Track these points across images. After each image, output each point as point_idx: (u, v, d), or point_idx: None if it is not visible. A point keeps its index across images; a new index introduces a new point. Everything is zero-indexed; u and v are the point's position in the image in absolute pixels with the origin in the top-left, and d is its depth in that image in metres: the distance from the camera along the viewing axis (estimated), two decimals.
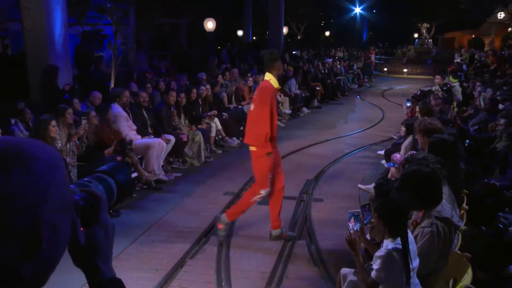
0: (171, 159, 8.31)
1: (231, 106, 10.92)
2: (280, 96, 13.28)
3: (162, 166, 7.78)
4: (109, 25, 11.78)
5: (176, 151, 8.24)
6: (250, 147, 5.20)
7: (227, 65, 14.84)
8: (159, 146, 7.47)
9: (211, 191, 7.10)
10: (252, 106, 5.18)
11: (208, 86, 10.12)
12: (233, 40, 27.35)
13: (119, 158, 6.51)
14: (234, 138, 10.20)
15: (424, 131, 4.89)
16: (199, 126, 9.06)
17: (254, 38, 34.12)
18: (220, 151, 9.52)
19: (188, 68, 13.51)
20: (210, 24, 17.25)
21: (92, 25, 12.69)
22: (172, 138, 7.94)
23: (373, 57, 26.20)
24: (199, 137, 8.64)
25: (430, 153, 3.90)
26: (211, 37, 18.25)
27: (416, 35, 36.66)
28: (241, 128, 10.84)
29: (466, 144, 7.21)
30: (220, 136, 9.93)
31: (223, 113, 10.16)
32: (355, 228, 3.29)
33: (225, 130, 10.01)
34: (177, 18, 22.10)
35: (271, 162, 5.18)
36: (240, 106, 11.12)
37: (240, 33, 29.29)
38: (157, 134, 7.83)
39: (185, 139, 8.33)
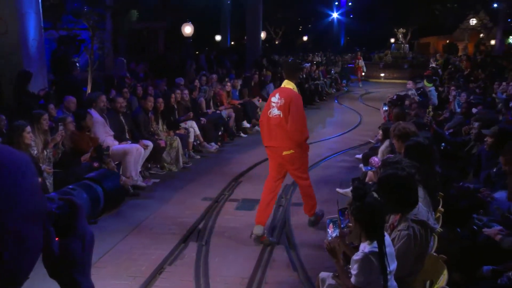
0: (149, 165, 8.26)
1: (209, 111, 10.90)
2: (258, 101, 13.33)
3: (140, 172, 7.71)
4: (86, 30, 11.62)
5: (154, 157, 8.19)
6: (286, 151, 5.45)
7: (205, 72, 14.83)
8: (137, 152, 7.41)
9: (189, 197, 7.07)
10: (275, 112, 5.43)
11: (186, 91, 10.10)
12: (211, 44, 27.32)
13: (96, 164, 6.44)
14: (212, 143, 10.18)
15: (398, 135, 4.97)
16: (177, 132, 9.02)
17: (232, 43, 34.13)
18: (198, 157, 9.50)
19: (166, 73, 13.44)
20: (188, 29, 17.21)
21: (68, 30, 12.50)
22: (150, 144, 7.89)
23: (361, 62, 24.30)
24: (177, 142, 8.61)
25: (406, 156, 3.96)
26: (189, 41, 18.21)
27: (392, 40, 37.13)
28: (219, 133, 10.86)
29: (442, 148, 7.34)
30: (198, 142, 9.91)
31: (201, 118, 10.13)
32: (333, 235, 3.32)
33: (203, 135, 9.99)
34: (155, 22, 21.99)
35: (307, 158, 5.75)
36: (218, 111, 11.11)
37: (218, 37, 29.28)
38: (134, 140, 7.77)
39: (163, 144, 8.29)
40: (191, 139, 9.48)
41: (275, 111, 5.45)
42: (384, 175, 3.25)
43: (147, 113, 8.41)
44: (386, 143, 6.25)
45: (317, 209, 5.93)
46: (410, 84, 12.12)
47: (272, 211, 6.26)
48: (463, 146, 7.17)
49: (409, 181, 3.19)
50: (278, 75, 15.79)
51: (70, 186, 1.06)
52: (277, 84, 14.99)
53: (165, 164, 8.48)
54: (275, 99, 5.51)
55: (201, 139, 9.92)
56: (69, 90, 8.53)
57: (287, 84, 5.58)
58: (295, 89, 5.59)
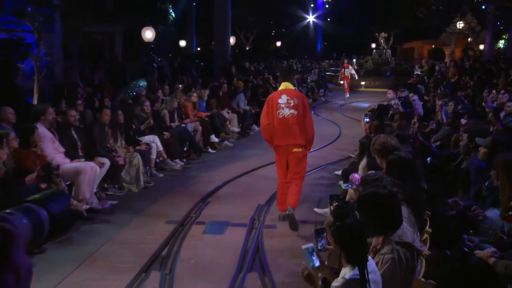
0: (105, 185, 8.16)
1: (173, 124, 10.87)
2: (228, 113, 13.36)
3: (95, 193, 7.62)
4: (30, 33, 11.34)
5: (112, 176, 8.11)
6: (297, 148, 6.58)
7: (169, 80, 14.81)
8: (92, 171, 7.32)
9: (151, 220, 7.00)
10: (288, 112, 6.53)
11: (147, 103, 10.05)
12: (175, 51, 27.32)
13: (43, 185, 6.29)
14: (177, 160, 10.14)
15: (378, 150, 5.05)
16: (138, 148, 8.96)
17: (199, 48, 34.22)
18: (161, 175, 9.46)
19: (125, 82, 13.35)
20: (148, 34, 17.15)
21: (8, 32, 12.13)
22: (107, 162, 7.82)
23: (347, 71, 23.32)
24: (138, 159, 8.55)
25: (387, 173, 4.01)
26: (150, 47, 18.14)
27: (373, 45, 37.82)
28: (185, 148, 10.82)
29: (429, 162, 7.46)
30: (161, 158, 9.86)
31: (165, 133, 10.10)
32: (312, 264, 3.28)
33: (167, 152, 9.94)
34: (111, 25, 21.80)
35: None
36: (183, 125, 11.08)
37: (182, 43, 29.32)
38: (89, 157, 7.66)
39: (121, 162, 8.23)
40: (153, 156, 9.43)
41: (287, 111, 6.53)
42: (364, 193, 3.29)
43: (104, 127, 8.32)
44: (365, 158, 6.33)
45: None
46: (390, 93, 12.30)
47: (244, 234, 6.27)
48: (452, 160, 7.30)
49: (391, 199, 3.23)
50: (250, 84, 15.90)
51: (7, 210, 1.03)
52: (249, 94, 15.12)
53: (124, 184, 8.41)
54: (282, 100, 6.56)
55: (164, 156, 9.87)
56: (9, 99, 8.31)
57: (288, 85, 6.71)
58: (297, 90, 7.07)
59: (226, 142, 12.55)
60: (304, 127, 6.59)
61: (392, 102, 11.13)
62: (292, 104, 6.53)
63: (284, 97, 6.57)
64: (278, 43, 42.81)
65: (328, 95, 25.34)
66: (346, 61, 24.18)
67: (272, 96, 6.82)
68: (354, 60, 25.34)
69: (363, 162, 6.47)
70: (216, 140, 12.15)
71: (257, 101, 15.71)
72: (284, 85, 6.72)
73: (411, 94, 12.90)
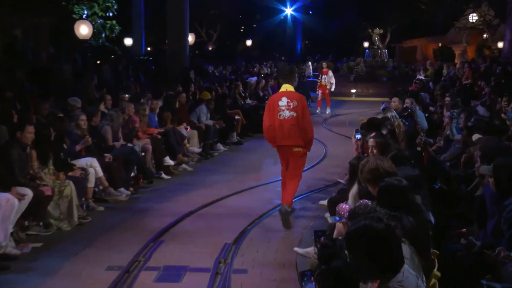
0: (26, 222, 8.03)
1: (117, 144, 10.79)
2: (186, 129, 13.33)
3: (12, 233, 7.49)
4: None
5: (35, 211, 7.96)
6: (296, 148, 8.46)
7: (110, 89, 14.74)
8: (7, 205, 7.20)
9: (87, 266, 6.93)
10: (288, 114, 8.32)
11: (83, 117, 9.96)
12: (118, 51, 27.25)
13: None
14: (122, 189, 10.05)
15: (368, 179, 5.10)
16: (70, 174, 8.85)
17: (149, 48, 34.23)
18: (101, 208, 9.38)
19: (54, 90, 13.21)
20: (84, 29, 17.11)
21: None
22: (29, 192, 7.69)
23: (326, 78, 22.71)
24: (70, 189, 8.44)
25: (378, 204, 4.05)
26: (86, 46, 18.05)
27: (366, 45, 38.30)
28: (132, 174, 10.73)
29: (437, 187, 7.51)
30: (101, 187, 9.78)
31: (106, 155, 10.02)
32: None
33: (109, 178, 9.87)
34: (34, 17, 21.57)
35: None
36: (130, 144, 11.00)
37: (128, 41, 29.26)
38: (4, 187, 7.53)
39: (48, 192, 8.08)
40: (91, 184, 9.33)
41: (287, 113, 8.32)
42: (354, 228, 3.30)
43: (24, 149, 8.22)
44: (356, 184, 6.37)
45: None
46: (395, 102, 12.46)
47: (207, 282, 6.27)
48: (465, 182, 7.33)
49: (389, 235, 3.24)
50: (213, 92, 15.89)
51: None
52: (212, 105, 15.13)
53: (52, 221, 8.27)
54: (282, 102, 8.36)
55: (106, 184, 9.78)
56: None
57: (288, 87, 8.60)
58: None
59: (184, 166, 12.49)
60: (302, 128, 8.37)
61: (389, 115, 11.25)
62: (291, 107, 8.33)
63: (285, 100, 8.37)
64: (248, 42, 43.00)
65: (311, 106, 25.49)
66: (325, 64, 23.68)
67: (273, 98, 8.86)
68: (325, 64, 23.46)
69: (354, 188, 6.51)
70: (172, 163, 12.10)
71: (223, 114, 15.71)
72: (284, 87, 8.63)
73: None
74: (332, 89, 23.22)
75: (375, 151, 6.86)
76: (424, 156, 7.70)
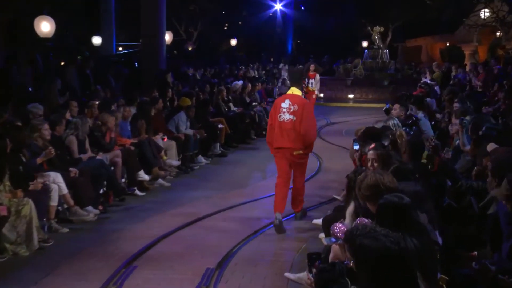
0: None
1: (84, 156, 10.71)
2: (163, 139, 13.26)
3: None
4: None
5: None
6: (297, 151, 9.29)
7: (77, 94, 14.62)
8: None
9: None
10: (288, 117, 9.19)
11: (45, 126, 9.87)
12: (85, 51, 27.18)
13: None
14: (90, 208, 9.97)
15: (367, 196, 5.05)
16: (31, 187, 8.74)
17: (120, 48, 34.15)
18: (66, 230, 9.29)
19: (10, 97, 13.09)
20: (45, 26, 17.01)
21: None
22: None
23: (314, 82, 22.64)
24: (30, 207, 8.33)
25: (377, 224, 4.00)
26: (48, 46, 17.93)
27: (365, 44, 38.46)
28: (101, 191, 10.63)
29: (445, 204, 7.45)
30: (65, 206, 9.69)
31: (71, 169, 9.93)
32: None
33: (74, 196, 9.77)
34: None
35: None
36: (99, 157, 10.91)
37: (97, 40, 29.19)
38: None
39: (3, 212, 7.98)
40: (54, 202, 9.22)
41: (286, 116, 9.20)
42: (365, 248, 3.24)
43: None
44: (354, 201, 6.33)
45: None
46: (396, 109, 12.44)
47: None
48: (476, 197, 7.27)
49: (403, 258, 3.18)
50: (194, 98, 15.82)
51: None
52: (193, 112, 15.05)
53: (7, 245, 8.17)
54: (285, 104, 9.28)
55: (71, 202, 9.68)
56: None
57: (295, 91, 9.60)
58: (302, 95, 10.14)
59: (160, 181, 12.44)
60: (300, 133, 9.16)
61: (390, 123, 11.23)
62: (292, 110, 9.22)
63: (287, 102, 9.31)
64: (233, 41, 42.91)
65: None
66: (312, 67, 23.43)
67: (278, 99, 9.91)
68: (313, 66, 22.61)
69: (352, 206, 6.46)
70: (147, 178, 12.03)
71: (204, 123, 15.64)
72: (291, 90, 9.72)
73: (419, 111, 13.06)
74: (321, 95, 23.07)
75: (375, 164, 6.82)
76: (434, 162, 7.67)
